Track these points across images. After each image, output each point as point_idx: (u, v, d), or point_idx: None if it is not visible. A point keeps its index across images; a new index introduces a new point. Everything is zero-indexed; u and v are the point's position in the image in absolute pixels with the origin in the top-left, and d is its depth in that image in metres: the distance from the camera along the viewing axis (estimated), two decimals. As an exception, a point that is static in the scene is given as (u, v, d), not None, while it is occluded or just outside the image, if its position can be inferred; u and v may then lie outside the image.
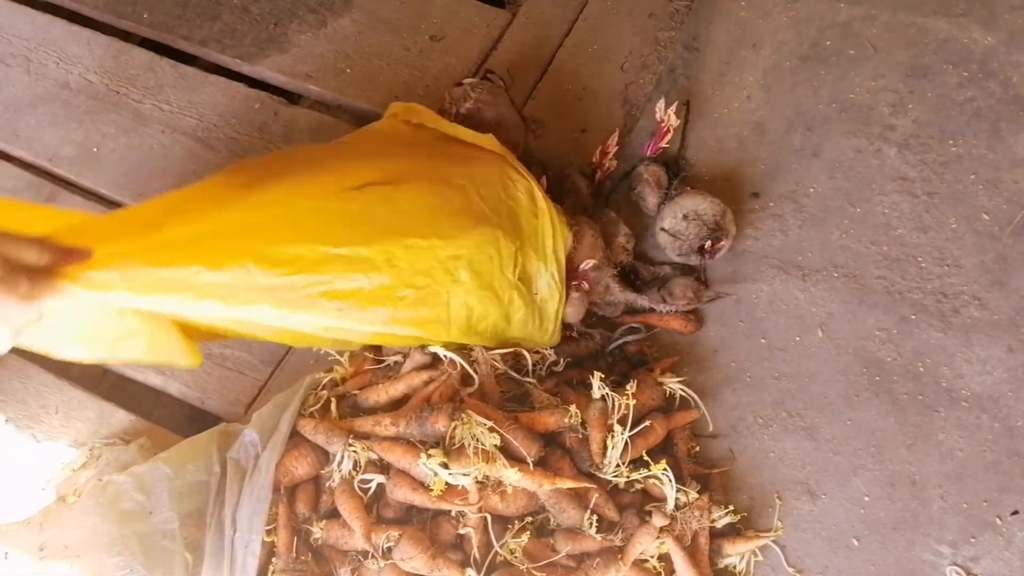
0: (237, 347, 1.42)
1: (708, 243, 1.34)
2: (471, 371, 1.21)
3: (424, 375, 1.22)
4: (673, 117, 1.42)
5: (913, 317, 1.36)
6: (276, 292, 1.01)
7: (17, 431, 1.36)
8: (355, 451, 1.17)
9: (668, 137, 1.43)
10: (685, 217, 1.36)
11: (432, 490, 1.12)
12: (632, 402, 1.18)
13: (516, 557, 1.14)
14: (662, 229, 1.39)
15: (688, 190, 1.40)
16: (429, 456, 1.10)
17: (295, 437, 1.26)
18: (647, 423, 1.21)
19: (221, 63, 1.70)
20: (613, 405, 1.18)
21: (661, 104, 1.43)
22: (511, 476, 1.10)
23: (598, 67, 1.63)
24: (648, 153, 1.45)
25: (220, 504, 1.21)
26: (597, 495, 1.16)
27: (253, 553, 1.17)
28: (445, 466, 1.10)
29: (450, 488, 1.13)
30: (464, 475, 1.10)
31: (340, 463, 1.19)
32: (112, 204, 1.58)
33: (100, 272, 0.89)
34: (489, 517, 1.14)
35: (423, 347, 1.24)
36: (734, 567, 1.21)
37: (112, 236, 0.94)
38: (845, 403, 1.31)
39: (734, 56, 1.61)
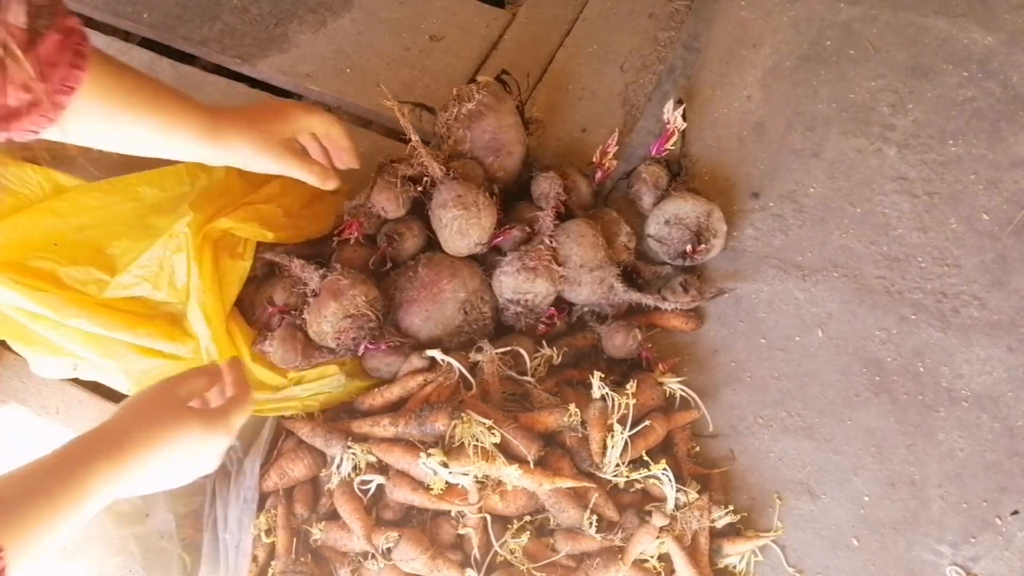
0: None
1: (689, 247, 1.34)
2: (467, 375, 1.21)
3: (419, 378, 1.22)
4: (680, 119, 1.42)
5: (913, 317, 1.36)
6: None
7: (18, 430, 1.36)
8: (354, 454, 1.17)
9: (674, 139, 1.43)
10: (667, 222, 1.37)
11: (432, 490, 1.12)
12: (632, 402, 1.17)
13: (516, 557, 1.14)
14: (648, 235, 1.40)
15: (673, 194, 1.40)
16: (429, 455, 1.10)
17: (290, 438, 1.26)
18: (647, 423, 1.21)
19: (221, 63, 1.70)
20: (613, 405, 1.18)
21: (669, 106, 1.43)
22: (511, 474, 1.10)
23: (598, 67, 1.63)
24: (653, 154, 1.45)
25: (214, 506, 1.22)
26: (597, 495, 1.16)
27: (244, 552, 1.18)
28: (445, 465, 1.10)
29: (450, 488, 1.13)
30: (464, 474, 1.09)
31: (339, 465, 1.18)
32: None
33: None
34: (489, 517, 1.14)
35: (420, 352, 1.24)
36: (734, 567, 1.21)
37: None
38: (845, 403, 1.31)
39: (734, 56, 1.61)
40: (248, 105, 1.14)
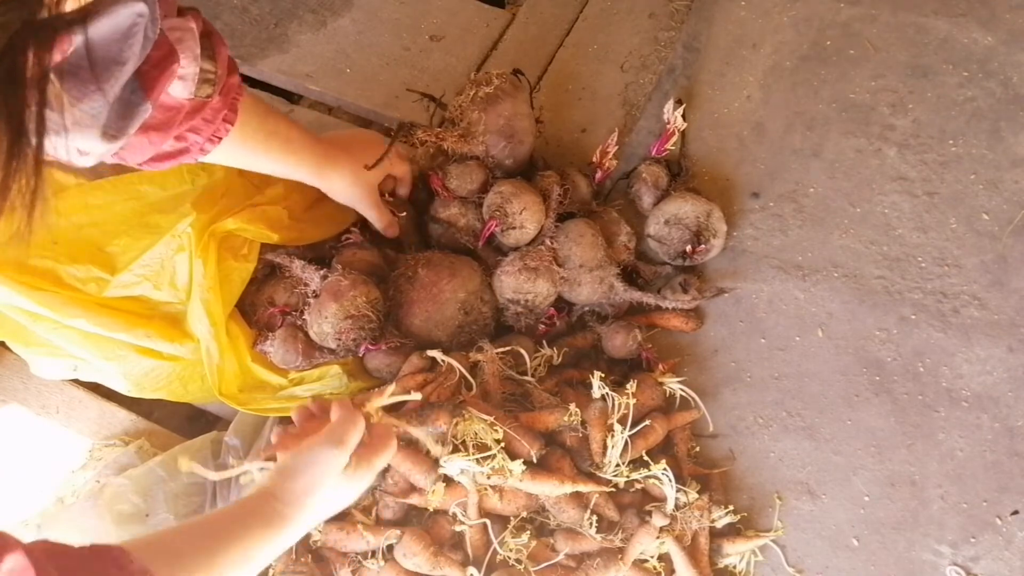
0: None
1: (689, 247, 1.35)
2: (468, 375, 1.21)
3: (420, 378, 1.22)
4: (680, 119, 1.42)
5: (913, 317, 1.36)
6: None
7: (18, 430, 1.36)
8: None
9: (674, 139, 1.43)
10: (667, 222, 1.37)
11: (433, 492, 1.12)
12: (632, 402, 1.17)
13: (517, 556, 1.14)
14: (648, 235, 1.40)
15: (673, 194, 1.40)
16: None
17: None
18: (647, 423, 1.21)
19: (221, 63, 1.70)
20: (613, 405, 1.18)
21: (669, 106, 1.43)
22: (517, 470, 1.10)
23: (598, 67, 1.63)
24: (654, 154, 1.45)
25: (215, 506, 1.22)
26: (597, 495, 1.16)
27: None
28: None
29: (450, 488, 1.13)
30: (483, 472, 1.09)
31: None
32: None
33: None
34: (488, 518, 1.14)
35: (420, 352, 1.24)
36: (734, 567, 1.21)
37: None
38: (845, 403, 1.31)
39: (734, 56, 1.61)
40: (353, 138, 1.30)
